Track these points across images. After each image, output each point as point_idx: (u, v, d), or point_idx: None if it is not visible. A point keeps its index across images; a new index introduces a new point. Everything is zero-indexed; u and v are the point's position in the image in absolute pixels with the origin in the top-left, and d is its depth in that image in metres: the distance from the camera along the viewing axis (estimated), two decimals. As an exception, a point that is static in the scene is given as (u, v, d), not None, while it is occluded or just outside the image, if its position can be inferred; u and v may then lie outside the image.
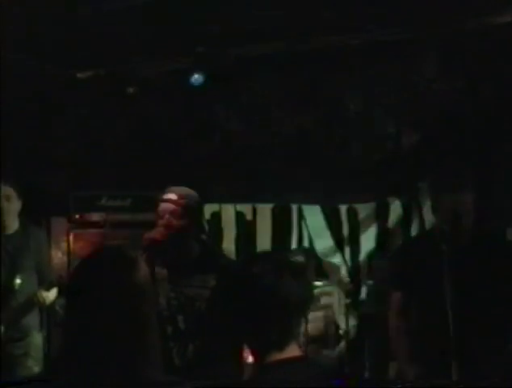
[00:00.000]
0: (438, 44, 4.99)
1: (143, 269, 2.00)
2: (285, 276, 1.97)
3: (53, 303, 4.71)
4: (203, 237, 3.65)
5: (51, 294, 4.53)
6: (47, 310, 4.74)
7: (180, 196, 3.30)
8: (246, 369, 2.81)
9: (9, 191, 4.59)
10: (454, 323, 3.03)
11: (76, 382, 1.83)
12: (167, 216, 3.28)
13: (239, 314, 1.99)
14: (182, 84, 6.01)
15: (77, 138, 6.64)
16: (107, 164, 6.44)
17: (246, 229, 6.37)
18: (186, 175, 6.23)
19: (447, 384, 2.44)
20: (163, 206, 3.32)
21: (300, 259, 2.00)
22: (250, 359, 2.07)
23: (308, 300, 2.07)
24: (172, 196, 3.31)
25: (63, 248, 5.51)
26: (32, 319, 4.60)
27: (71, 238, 5.97)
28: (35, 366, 4.46)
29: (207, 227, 6.12)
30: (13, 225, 4.68)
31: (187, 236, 3.34)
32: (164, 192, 3.37)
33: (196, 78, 5.93)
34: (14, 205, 4.64)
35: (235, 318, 2.00)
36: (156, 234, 3.32)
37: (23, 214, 4.73)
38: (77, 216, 6.03)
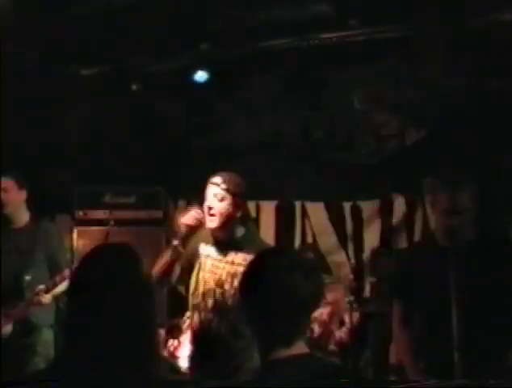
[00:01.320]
0: (441, 41, 4.98)
1: (145, 266, 2.01)
2: (297, 273, 1.98)
3: (59, 299, 4.66)
4: (247, 220, 3.80)
5: (56, 290, 4.46)
6: (55, 307, 4.67)
7: (223, 181, 3.50)
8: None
9: (6, 182, 4.50)
10: (456, 323, 3.03)
11: (78, 381, 1.83)
12: (211, 198, 3.50)
13: (251, 308, 2.01)
14: (186, 81, 6.01)
15: (81, 135, 6.65)
16: (111, 161, 6.44)
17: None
18: (189, 171, 6.24)
19: (447, 384, 2.44)
20: (208, 189, 3.54)
21: (312, 256, 2.02)
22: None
23: (318, 298, 2.09)
24: (217, 180, 3.52)
25: (67, 245, 5.50)
26: (42, 316, 4.49)
27: (75, 235, 5.97)
28: (41, 363, 4.33)
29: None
30: (21, 217, 4.58)
31: (230, 218, 3.51)
32: (211, 177, 3.57)
33: (200, 75, 5.94)
34: (15, 196, 4.53)
35: (249, 312, 2.03)
36: (188, 219, 3.52)
37: (32, 206, 4.63)
38: (80, 213, 6.04)
